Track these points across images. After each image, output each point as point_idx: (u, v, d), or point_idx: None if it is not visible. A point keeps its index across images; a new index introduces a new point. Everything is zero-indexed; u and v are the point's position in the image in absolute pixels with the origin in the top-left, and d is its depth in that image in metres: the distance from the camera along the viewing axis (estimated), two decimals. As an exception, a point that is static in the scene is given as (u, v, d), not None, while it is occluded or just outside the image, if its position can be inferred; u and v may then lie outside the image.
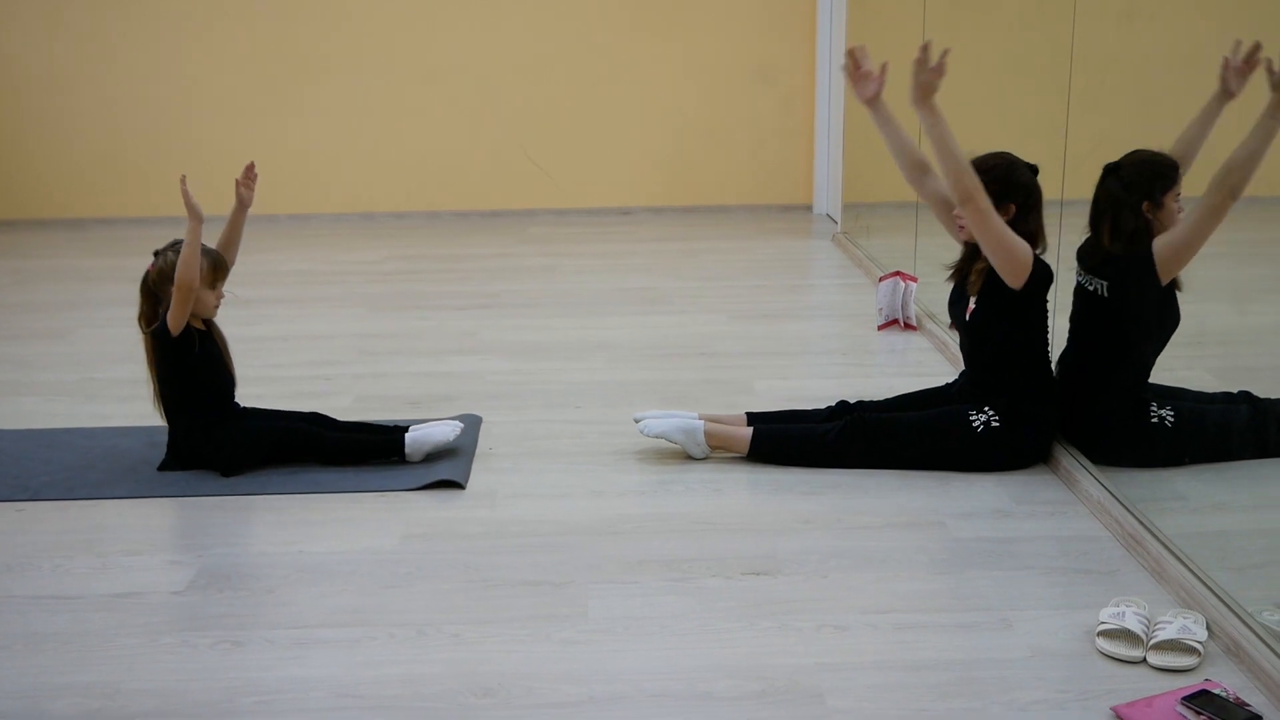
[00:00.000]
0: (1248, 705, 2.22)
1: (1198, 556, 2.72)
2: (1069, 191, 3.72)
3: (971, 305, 3.40)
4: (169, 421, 3.47)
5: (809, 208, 7.86)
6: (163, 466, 3.47)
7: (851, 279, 5.97)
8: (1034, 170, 3.36)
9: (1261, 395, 3.41)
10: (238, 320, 4.50)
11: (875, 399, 3.66)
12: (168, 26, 7.55)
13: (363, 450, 3.48)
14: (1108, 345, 3.33)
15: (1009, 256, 3.24)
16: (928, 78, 3.22)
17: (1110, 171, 3.32)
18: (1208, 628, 2.49)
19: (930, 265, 5.10)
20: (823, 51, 7.49)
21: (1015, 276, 3.27)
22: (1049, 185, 3.46)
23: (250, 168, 3.68)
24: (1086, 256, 3.38)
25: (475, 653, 2.50)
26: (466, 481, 3.38)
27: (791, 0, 7.59)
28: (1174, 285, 3.30)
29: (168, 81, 7.63)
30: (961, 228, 3.40)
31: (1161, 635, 2.43)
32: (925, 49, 3.21)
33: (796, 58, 7.67)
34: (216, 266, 3.46)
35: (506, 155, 7.79)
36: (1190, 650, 2.41)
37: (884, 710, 2.28)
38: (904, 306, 4.89)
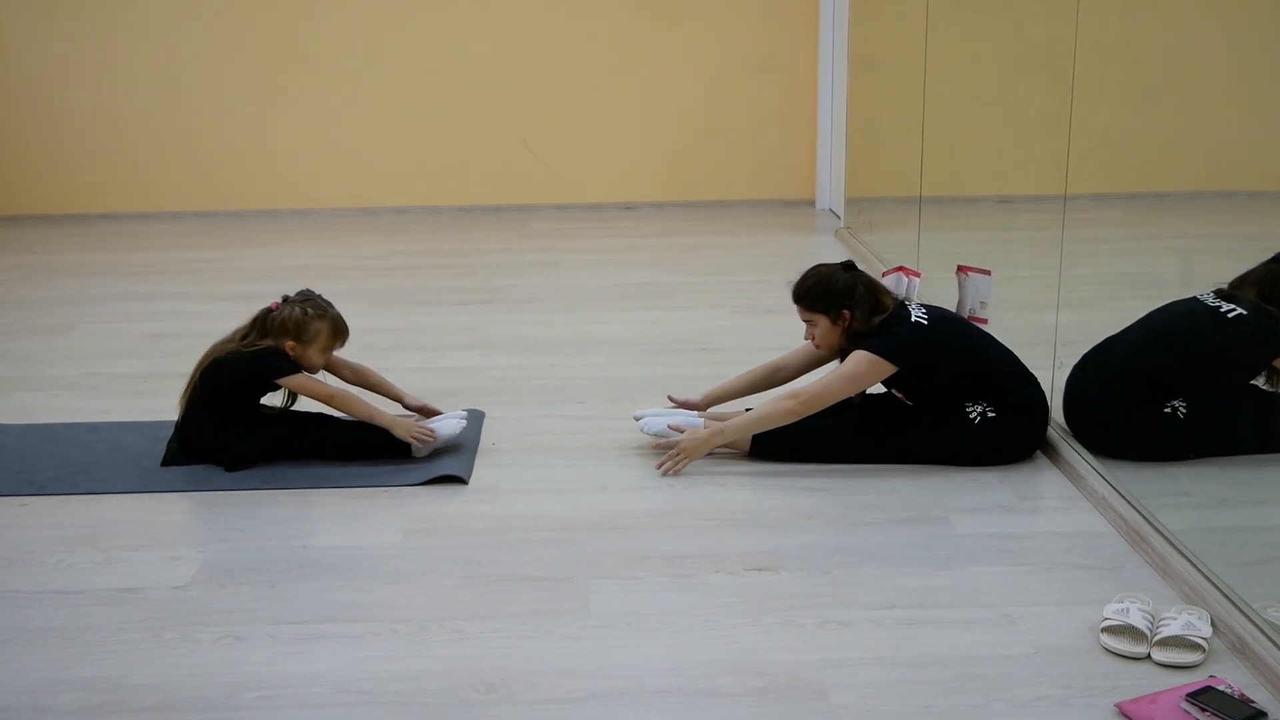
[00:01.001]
0: (1253, 702, 2.22)
1: (1202, 552, 2.71)
2: (1072, 187, 3.71)
3: (898, 395, 3.46)
4: (186, 411, 3.46)
5: (812, 203, 7.85)
6: (166, 461, 3.47)
7: (854, 274, 5.95)
8: (848, 266, 3.45)
9: (1266, 390, 3.40)
10: (240, 316, 4.49)
11: (875, 393, 3.65)
12: (169, 22, 7.54)
13: (370, 448, 3.47)
14: (1178, 346, 3.31)
15: (860, 381, 3.35)
16: (684, 461, 3.37)
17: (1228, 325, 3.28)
18: (1212, 624, 2.48)
19: (934, 260, 5.10)
20: (825, 45, 7.47)
21: (884, 375, 3.34)
22: (1051, 181, 3.46)
23: (430, 434, 3.46)
24: (1241, 289, 3.34)
25: (477, 648, 2.50)
26: (469, 477, 3.38)
27: (794, -6, 7.58)
28: (1274, 382, 3.29)
29: (169, 77, 7.62)
30: (818, 346, 3.49)
31: (1166, 631, 2.42)
32: (662, 472, 3.36)
33: (799, 52, 7.65)
34: (337, 334, 3.49)
35: (509, 150, 7.78)
36: (1195, 647, 2.40)
37: (887, 706, 2.28)
38: (908, 300, 4.88)
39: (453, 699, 2.33)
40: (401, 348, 4.73)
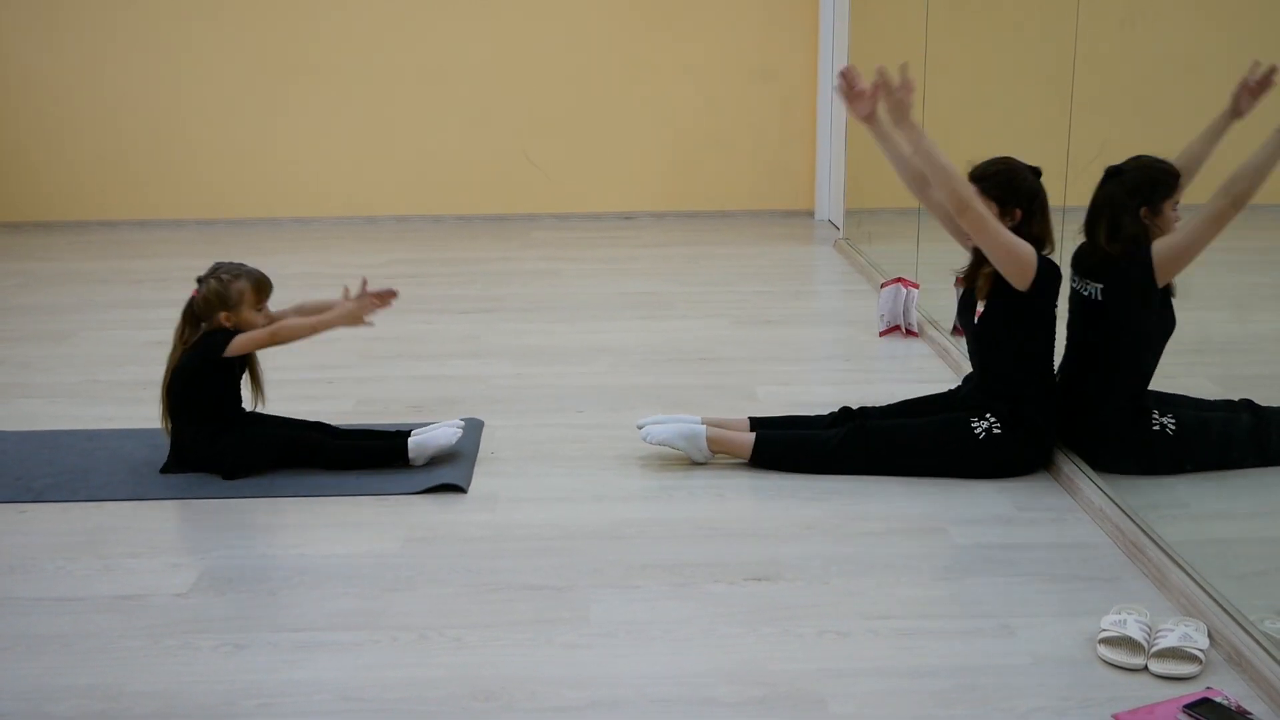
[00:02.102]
0: (1249, 714, 2.22)
1: (1199, 564, 2.72)
2: (1071, 198, 3.72)
3: (980, 309, 3.40)
4: (174, 427, 3.48)
5: (811, 213, 7.87)
6: (165, 469, 3.47)
7: (853, 285, 5.97)
8: (1037, 173, 3.36)
9: (1263, 404, 3.41)
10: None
11: (877, 405, 3.66)
12: (170, 29, 7.56)
13: (366, 456, 3.48)
14: (1105, 351, 3.33)
15: (1011, 257, 3.24)
16: (899, 98, 3.23)
17: (1112, 175, 3.33)
18: (1209, 636, 2.49)
19: (932, 271, 5.11)
20: (825, 56, 7.50)
21: (1020, 277, 3.27)
22: (1051, 192, 3.47)
23: (390, 294, 3.55)
24: (1082, 261, 3.38)
25: (477, 657, 2.50)
26: (468, 485, 3.39)
27: (794, 5, 7.60)
28: (1169, 291, 3.30)
29: (170, 84, 7.64)
30: (967, 235, 3.40)
31: (1163, 643, 2.43)
32: (881, 72, 3.24)
33: (799, 63, 7.67)
34: (260, 288, 3.49)
35: (509, 160, 7.80)
36: (1192, 658, 2.41)
37: (885, 716, 2.28)
38: (906, 313, 4.90)
39: (452, 707, 2.33)
40: (401, 356, 4.73)
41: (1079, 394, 3.38)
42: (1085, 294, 3.35)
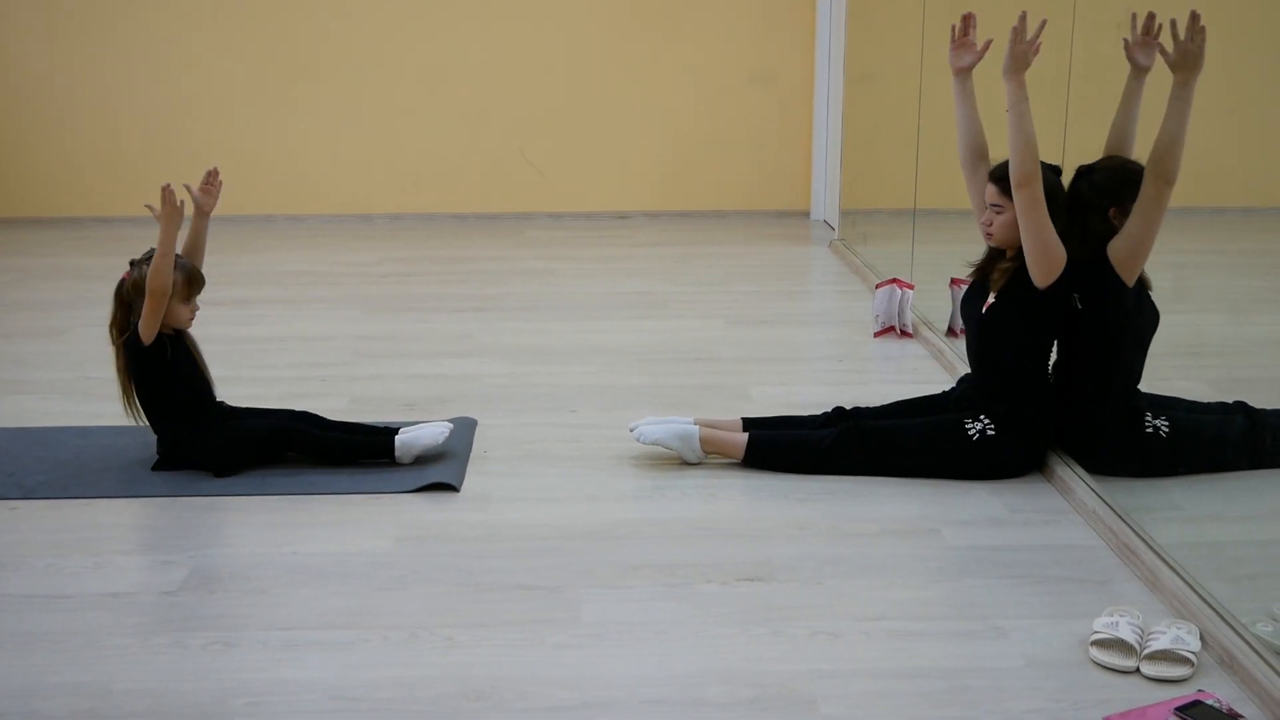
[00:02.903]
0: (1240, 716, 2.22)
1: (1192, 567, 2.72)
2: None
3: (990, 300, 3.37)
4: (154, 428, 3.47)
5: (806, 214, 7.87)
6: (156, 466, 3.47)
7: (848, 286, 5.97)
8: (1057, 171, 3.35)
9: (1257, 406, 3.41)
10: (233, 321, 4.50)
11: (871, 405, 3.66)
12: (166, 26, 7.54)
13: (353, 451, 3.48)
14: (1093, 355, 3.33)
15: (1045, 250, 3.20)
16: (1024, 49, 3.18)
17: (1083, 174, 3.33)
18: (1201, 638, 2.49)
19: (927, 273, 5.11)
20: (821, 57, 7.50)
21: (1045, 273, 3.23)
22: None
23: (213, 175, 3.59)
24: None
25: (468, 656, 2.50)
26: (461, 484, 3.38)
27: (791, 5, 7.60)
28: (1143, 285, 3.30)
29: (166, 81, 7.62)
30: (989, 234, 3.37)
31: (1155, 645, 2.43)
32: (1023, 19, 3.17)
33: (795, 63, 7.67)
34: (191, 280, 3.43)
35: (504, 158, 7.79)
36: (1183, 661, 2.41)
37: (877, 717, 2.28)
38: (900, 314, 4.90)
39: (443, 707, 2.32)
40: (395, 354, 4.73)
41: (1072, 397, 3.38)
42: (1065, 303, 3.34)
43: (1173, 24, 3.14)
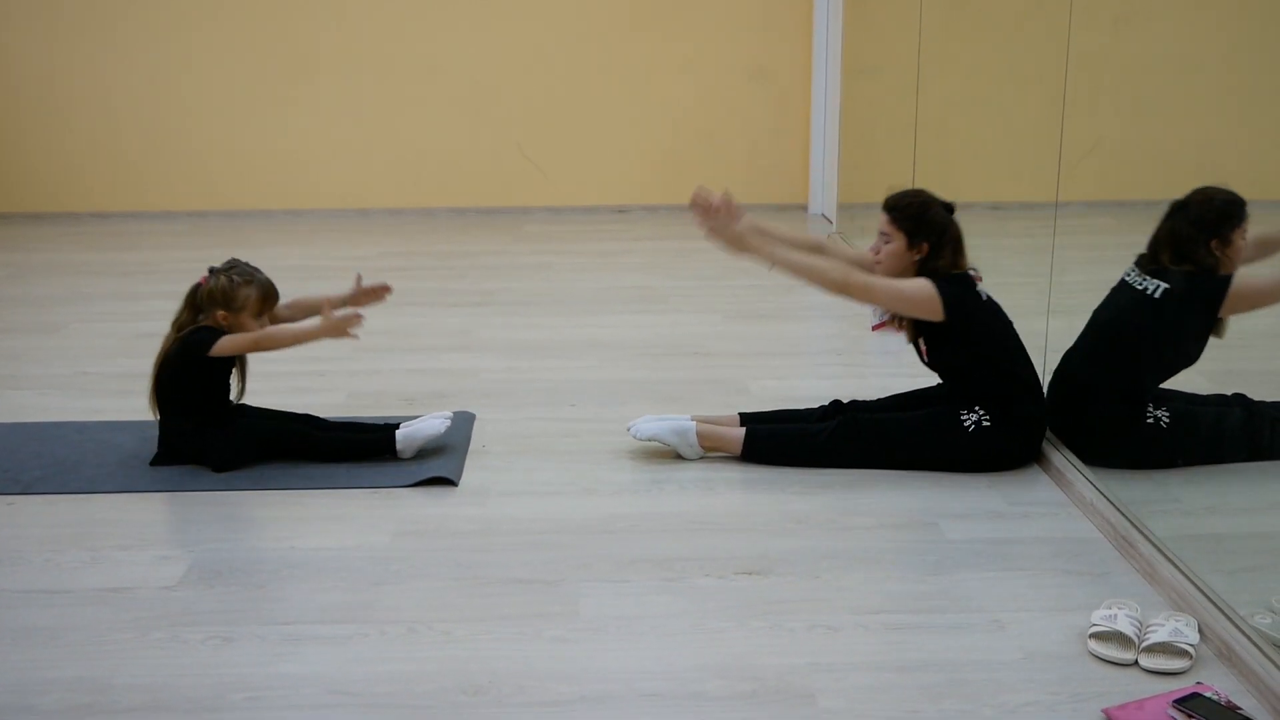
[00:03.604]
0: (1239, 708, 2.23)
1: (1190, 559, 2.72)
2: (1064, 194, 3.72)
3: (923, 348, 3.44)
4: (162, 418, 3.47)
5: (804, 207, 7.86)
6: (155, 461, 3.46)
7: (846, 279, 5.96)
8: (949, 208, 3.39)
9: (1256, 398, 3.41)
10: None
11: (869, 399, 3.66)
12: (164, 21, 7.53)
13: (355, 449, 3.48)
14: (1128, 345, 3.31)
15: (910, 303, 3.30)
16: (720, 224, 3.27)
17: (1177, 209, 3.28)
18: (1199, 630, 2.49)
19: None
20: (819, 51, 7.49)
21: (930, 313, 3.31)
22: (1043, 188, 3.47)
23: (384, 289, 3.61)
24: (1150, 260, 3.33)
25: (466, 650, 2.50)
26: (459, 479, 3.38)
27: (788, 1, 7.58)
28: (1218, 326, 3.27)
29: (163, 76, 7.61)
30: (878, 261, 3.43)
31: (1153, 638, 2.43)
32: (695, 201, 3.28)
33: (792, 57, 7.66)
34: (266, 298, 3.48)
35: (502, 153, 7.78)
36: (1182, 653, 2.41)
37: (875, 711, 2.28)
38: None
39: (441, 701, 2.32)
40: (394, 349, 4.72)
41: (1077, 383, 3.39)
42: (1139, 286, 3.30)
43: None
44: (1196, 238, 3.23)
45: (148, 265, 6.40)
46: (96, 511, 3.20)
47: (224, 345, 3.40)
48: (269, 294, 3.48)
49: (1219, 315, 3.22)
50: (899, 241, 3.35)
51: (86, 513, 3.19)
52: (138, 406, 3.67)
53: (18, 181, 7.73)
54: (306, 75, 7.62)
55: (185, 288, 3.52)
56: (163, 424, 3.46)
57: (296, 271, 6.21)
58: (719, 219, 3.29)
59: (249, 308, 3.42)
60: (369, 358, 4.61)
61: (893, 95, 5.85)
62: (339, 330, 3.41)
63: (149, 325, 5.08)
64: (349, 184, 7.80)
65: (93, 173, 7.73)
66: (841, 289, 3.28)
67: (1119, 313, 3.37)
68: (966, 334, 3.33)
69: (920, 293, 3.27)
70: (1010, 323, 3.44)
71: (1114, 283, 3.42)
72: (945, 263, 3.34)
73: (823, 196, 7.64)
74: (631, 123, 7.73)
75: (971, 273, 3.41)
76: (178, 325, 3.46)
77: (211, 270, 3.46)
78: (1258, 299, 3.20)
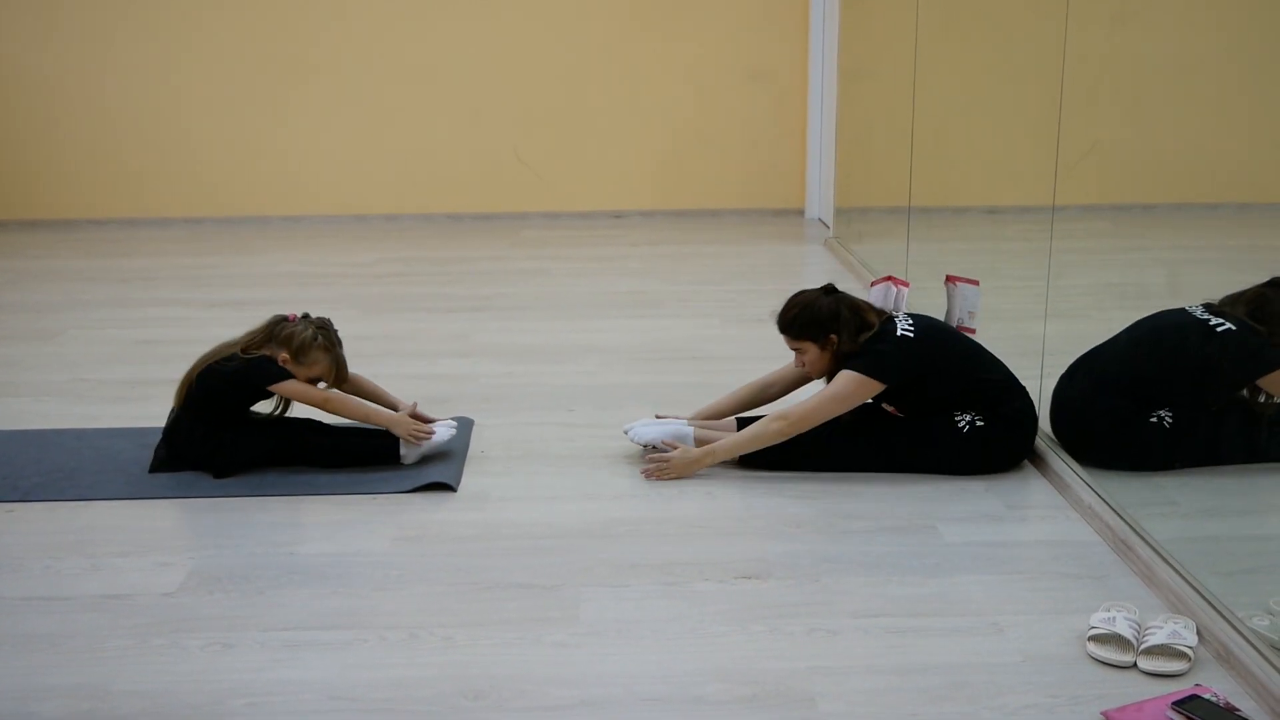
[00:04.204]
0: (1238, 710, 2.23)
1: (1188, 562, 2.72)
2: (1060, 198, 3.73)
3: (890, 409, 3.48)
4: (174, 420, 3.45)
5: (801, 212, 7.87)
6: (154, 468, 3.46)
7: (843, 284, 5.91)
8: (828, 291, 3.48)
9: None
10: (229, 322, 4.49)
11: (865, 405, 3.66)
12: (161, 28, 7.53)
13: (358, 455, 3.48)
14: (1164, 357, 3.32)
15: (849, 402, 3.35)
16: (678, 474, 3.38)
17: (1276, 283, 3.31)
18: (1198, 633, 2.49)
19: (922, 270, 5.11)
20: (815, 55, 7.50)
21: (873, 393, 3.36)
22: (1039, 191, 3.48)
23: (427, 428, 3.52)
24: (1233, 306, 3.34)
25: (467, 655, 2.50)
26: (458, 484, 3.38)
27: (784, 4, 7.60)
28: (1255, 400, 3.29)
29: (161, 83, 7.61)
30: (810, 374, 3.53)
31: (1152, 640, 2.43)
32: (646, 475, 3.39)
33: (789, 61, 7.68)
34: (332, 373, 3.49)
35: (499, 158, 7.79)
36: (1180, 655, 2.41)
37: (875, 714, 2.28)
38: (896, 311, 4.89)
39: (441, 706, 2.32)
40: (391, 355, 4.72)
41: (1084, 383, 3.40)
42: (1201, 317, 3.30)
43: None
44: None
45: (145, 271, 6.40)
46: (95, 518, 3.20)
47: (290, 390, 3.43)
48: (339, 369, 3.50)
49: (1254, 380, 3.26)
50: (811, 350, 3.44)
51: (85, 519, 3.19)
52: (136, 413, 3.68)
53: (15, 188, 7.73)
54: (304, 81, 7.63)
55: (182, 294, 3.53)
56: (176, 420, 3.45)
57: (293, 277, 6.22)
58: (678, 465, 3.40)
59: (314, 371, 3.46)
60: (367, 363, 4.59)
61: (889, 99, 5.87)
62: (407, 432, 3.43)
63: (147, 332, 5.09)
64: (346, 190, 7.81)
65: (90, 179, 7.73)
66: (789, 433, 3.34)
67: (1167, 328, 3.36)
68: (921, 379, 3.37)
69: (852, 386, 3.33)
70: (948, 329, 3.47)
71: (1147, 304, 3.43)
72: (856, 330, 3.40)
73: (820, 201, 7.65)
74: (628, 128, 7.74)
75: (882, 312, 3.50)
76: (240, 345, 3.45)
77: (305, 316, 3.49)
78: None
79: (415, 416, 3.58)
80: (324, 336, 3.47)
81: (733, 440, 3.41)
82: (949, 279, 4.47)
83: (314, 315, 3.52)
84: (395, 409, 3.57)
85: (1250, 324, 3.25)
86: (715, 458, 3.40)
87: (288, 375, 3.43)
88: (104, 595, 2.77)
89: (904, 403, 3.43)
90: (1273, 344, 3.24)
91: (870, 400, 3.42)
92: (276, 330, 3.46)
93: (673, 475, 3.38)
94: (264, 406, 3.55)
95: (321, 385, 3.51)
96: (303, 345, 3.42)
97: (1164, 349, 3.35)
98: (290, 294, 5.80)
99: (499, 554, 2.96)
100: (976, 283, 3.75)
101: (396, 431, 3.43)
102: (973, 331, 3.70)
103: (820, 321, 3.40)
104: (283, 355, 3.43)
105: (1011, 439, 3.40)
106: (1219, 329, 3.25)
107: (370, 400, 3.60)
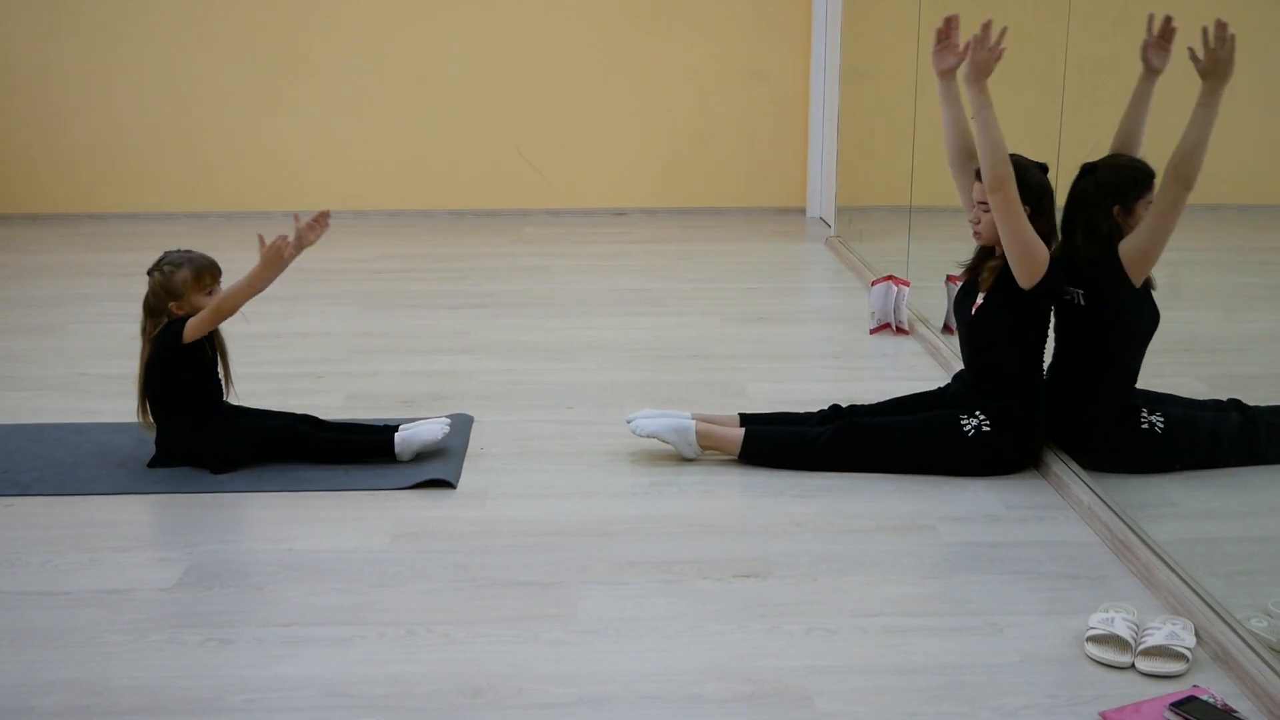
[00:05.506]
0: (1235, 711, 2.23)
1: (1187, 563, 2.72)
2: (1062, 198, 3.73)
3: (979, 300, 3.38)
4: (156, 423, 3.47)
5: (802, 211, 7.87)
6: (153, 463, 3.46)
7: (844, 283, 5.97)
8: (1044, 169, 3.35)
9: (1251, 403, 3.42)
10: (230, 317, 4.49)
11: (867, 403, 3.66)
12: (163, 23, 7.53)
13: (353, 450, 3.48)
14: (1092, 352, 3.34)
15: (1026, 252, 3.21)
16: (984, 56, 3.22)
17: (1087, 172, 3.33)
18: (1196, 634, 2.49)
19: (923, 269, 5.12)
20: (817, 54, 7.50)
21: (1029, 274, 3.25)
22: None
23: (324, 216, 3.55)
24: (1063, 266, 3.36)
25: (465, 653, 2.50)
26: (457, 481, 3.38)
27: (786, 3, 7.60)
28: (1148, 285, 3.30)
29: (162, 78, 7.61)
30: (977, 233, 3.38)
31: (1150, 641, 2.43)
32: (986, 27, 3.22)
33: (791, 60, 7.67)
34: (200, 273, 3.45)
35: (501, 155, 7.78)
36: (1178, 656, 2.41)
37: (873, 714, 2.28)
38: (896, 310, 4.90)
39: (440, 703, 2.32)
40: (392, 351, 4.72)
41: (1068, 393, 3.39)
42: (1066, 298, 3.35)
43: (1204, 31, 3.14)
44: (1101, 201, 3.27)
45: (146, 266, 6.37)
46: (94, 513, 3.20)
47: (192, 328, 3.40)
48: (201, 268, 3.46)
49: (1136, 285, 3.23)
50: (1015, 208, 3.23)
51: (84, 514, 3.19)
52: (135, 408, 3.67)
53: (16, 182, 7.73)
54: (306, 77, 7.63)
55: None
56: (160, 425, 3.46)
57: (294, 273, 6.20)
58: (980, 51, 3.22)
59: (190, 288, 3.41)
60: (367, 360, 4.62)
61: (891, 98, 5.86)
62: (277, 255, 3.37)
63: (147, 327, 5.09)
64: (348, 186, 7.80)
65: (91, 174, 7.73)
66: (1000, 182, 3.15)
67: (1067, 327, 3.39)
68: (1024, 314, 3.30)
69: (1041, 250, 3.21)
70: (1047, 337, 3.43)
71: None
72: (1045, 227, 3.27)
73: (821, 200, 7.64)
74: (630, 125, 7.74)
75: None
76: (145, 334, 3.46)
77: (149, 273, 3.48)
78: (1150, 249, 3.20)
79: (302, 229, 3.49)
80: (168, 264, 3.43)
81: (997, 127, 3.18)
82: (949, 278, 4.47)
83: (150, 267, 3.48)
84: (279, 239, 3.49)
85: (1088, 267, 3.27)
86: (986, 97, 3.19)
87: (183, 322, 3.40)
88: (102, 590, 2.77)
89: (991, 314, 3.33)
90: (1109, 239, 3.24)
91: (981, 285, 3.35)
92: (150, 304, 3.45)
93: (978, 55, 3.20)
94: (257, 394, 3.55)
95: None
96: (166, 286, 3.41)
97: (1077, 348, 3.35)
98: (290, 289, 5.80)
99: (498, 551, 2.96)
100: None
101: (273, 265, 3.37)
102: None
103: (1027, 186, 3.22)
104: (172, 307, 3.41)
105: (1016, 446, 3.38)
106: (1078, 302, 3.30)
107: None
